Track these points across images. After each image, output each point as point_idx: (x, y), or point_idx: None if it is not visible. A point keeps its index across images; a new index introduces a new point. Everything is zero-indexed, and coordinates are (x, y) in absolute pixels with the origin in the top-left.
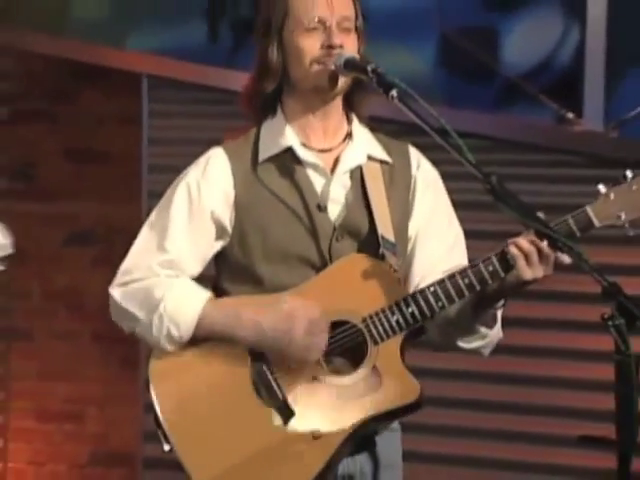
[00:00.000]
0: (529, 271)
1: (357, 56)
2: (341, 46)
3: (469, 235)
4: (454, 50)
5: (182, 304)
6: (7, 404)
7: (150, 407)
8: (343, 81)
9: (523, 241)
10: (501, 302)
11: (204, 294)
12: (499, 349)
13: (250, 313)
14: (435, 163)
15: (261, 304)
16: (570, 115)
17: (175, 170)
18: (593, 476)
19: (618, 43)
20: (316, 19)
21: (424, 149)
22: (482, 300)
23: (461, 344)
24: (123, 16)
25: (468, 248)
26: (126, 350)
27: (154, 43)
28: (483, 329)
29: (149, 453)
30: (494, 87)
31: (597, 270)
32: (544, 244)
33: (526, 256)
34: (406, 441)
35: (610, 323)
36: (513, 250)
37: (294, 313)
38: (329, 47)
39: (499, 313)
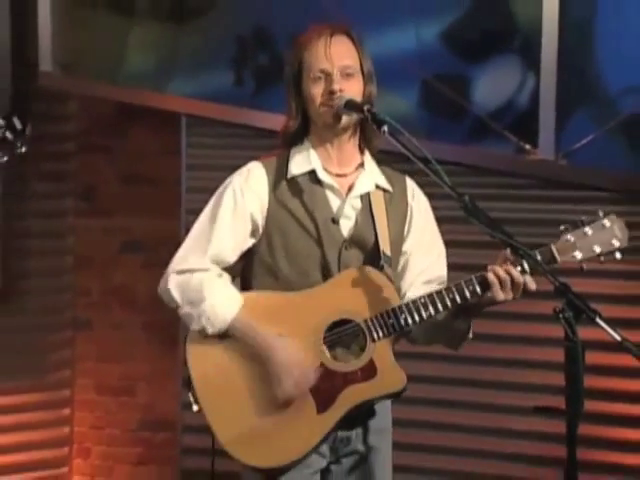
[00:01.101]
0: (502, 294)
1: (355, 98)
2: (341, 90)
3: (446, 244)
4: (433, 94)
5: (219, 310)
6: (73, 381)
7: (187, 382)
8: (346, 119)
9: (500, 270)
10: (476, 314)
11: (237, 304)
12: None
13: (264, 343)
14: (419, 185)
15: (276, 336)
16: (527, 146)
17: (209, 191)
18: (546, 439)
19: (566, 89)
20: (319, 70)
21: (410, 174)
22: (462, 311)
23: (445, 345)
24: (165, 67)
25: (446, 254)
26: (168, 337)
27: (190, 88)
28: (462, 334)
29: (187, 420)
30: (466, 124)
31: (550, 272)
32: (517, 274)
33: (501, 283)
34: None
35: (561, 315)
36: (491, 277)
37: (292, 369)
38: (330, 93)
39: (472, 322)
